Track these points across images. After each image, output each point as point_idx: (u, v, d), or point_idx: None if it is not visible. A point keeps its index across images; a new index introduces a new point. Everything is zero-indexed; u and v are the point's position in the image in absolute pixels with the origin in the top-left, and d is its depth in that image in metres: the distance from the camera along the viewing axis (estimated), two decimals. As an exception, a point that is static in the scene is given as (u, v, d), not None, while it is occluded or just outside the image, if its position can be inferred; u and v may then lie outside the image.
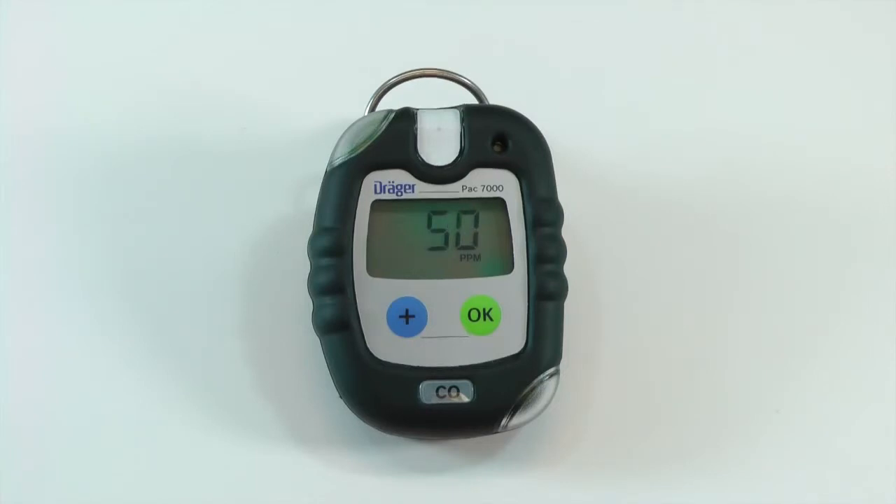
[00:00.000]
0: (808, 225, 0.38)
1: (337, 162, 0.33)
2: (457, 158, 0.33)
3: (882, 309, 0.37)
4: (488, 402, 0.31)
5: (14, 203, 0.37)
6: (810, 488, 0.33)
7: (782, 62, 0.42)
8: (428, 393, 0.31)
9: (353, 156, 0.32)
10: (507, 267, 0.32)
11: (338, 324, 0.32)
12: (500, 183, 0.33)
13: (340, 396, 0.32)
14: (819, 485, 0.33)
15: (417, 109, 0.33)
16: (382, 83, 0.35)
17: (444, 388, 0.31)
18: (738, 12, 0.43)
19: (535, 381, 0.31)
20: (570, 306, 0.33)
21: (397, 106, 0.33)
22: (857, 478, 0.34)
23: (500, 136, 0.33)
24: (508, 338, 0.32)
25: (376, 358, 0.31)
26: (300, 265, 0.33)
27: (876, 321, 0.37)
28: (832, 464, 0.34)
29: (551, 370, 0.32)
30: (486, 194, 0.33)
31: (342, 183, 0.32)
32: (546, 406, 0.32)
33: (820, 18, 0.43)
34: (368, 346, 0.32)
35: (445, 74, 0.35)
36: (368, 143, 0.33)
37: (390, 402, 0.31)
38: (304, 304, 0.33)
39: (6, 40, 0.41)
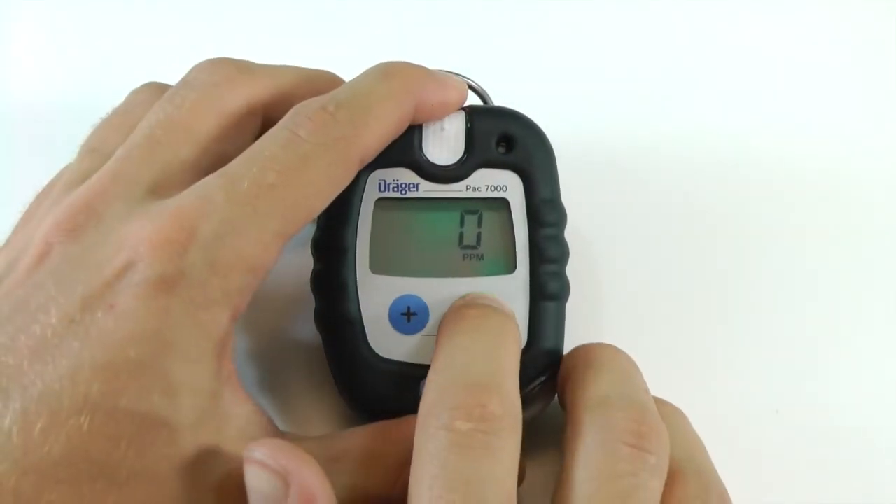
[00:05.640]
0: (810, 225, 0.39)
1: (342, 160, 0.33)
2: (461, 158, 0.33)
3: (882, 309, 0.37)
4: (489, 401, 0.31)
5: (14, 202, 0.37)
6: (810, 488, 0.33)
7: (784, 62, 0.43)
8: (429, 391, 0.31)
9: (358, 154, 0.33)
10: (509, 267, 0.32)
11: (340, 320, 0.32)
12: (503, 183, 0.33)
13: (341, 393, 0.32)
14: (819, 485, 0.33)
15: (423, 109, 0.33)
16: (386, 84, 0.36)
17: (445, 385, 0.31)
18: (739, 12, 0.44)
19: (536, 381, 0.31)
20: (572, 307, 0.33)
21: (401, 106, 0.34)
22: (857, 478, 0.34)
23: (504, 137, 0.33)
24: (509, 337, 0.32)
25: (378, 355, 0.31)
26: (302, 263, 0.33)
27: (876, 321, 0.37)
28: (832, 464, 0.34)
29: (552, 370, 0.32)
30: (489, 194, 0.33)
31: (347, 181, 0.32)
32: (546, 406, 0.32)
33: (821, 17, 0.44)
34: (370, 343, 0.32)
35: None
36: (374, 142, 0.33)
37: (391, 399, 0.31)
38: (306, 301, 0.33)
39: (6, 40, 0.41)
